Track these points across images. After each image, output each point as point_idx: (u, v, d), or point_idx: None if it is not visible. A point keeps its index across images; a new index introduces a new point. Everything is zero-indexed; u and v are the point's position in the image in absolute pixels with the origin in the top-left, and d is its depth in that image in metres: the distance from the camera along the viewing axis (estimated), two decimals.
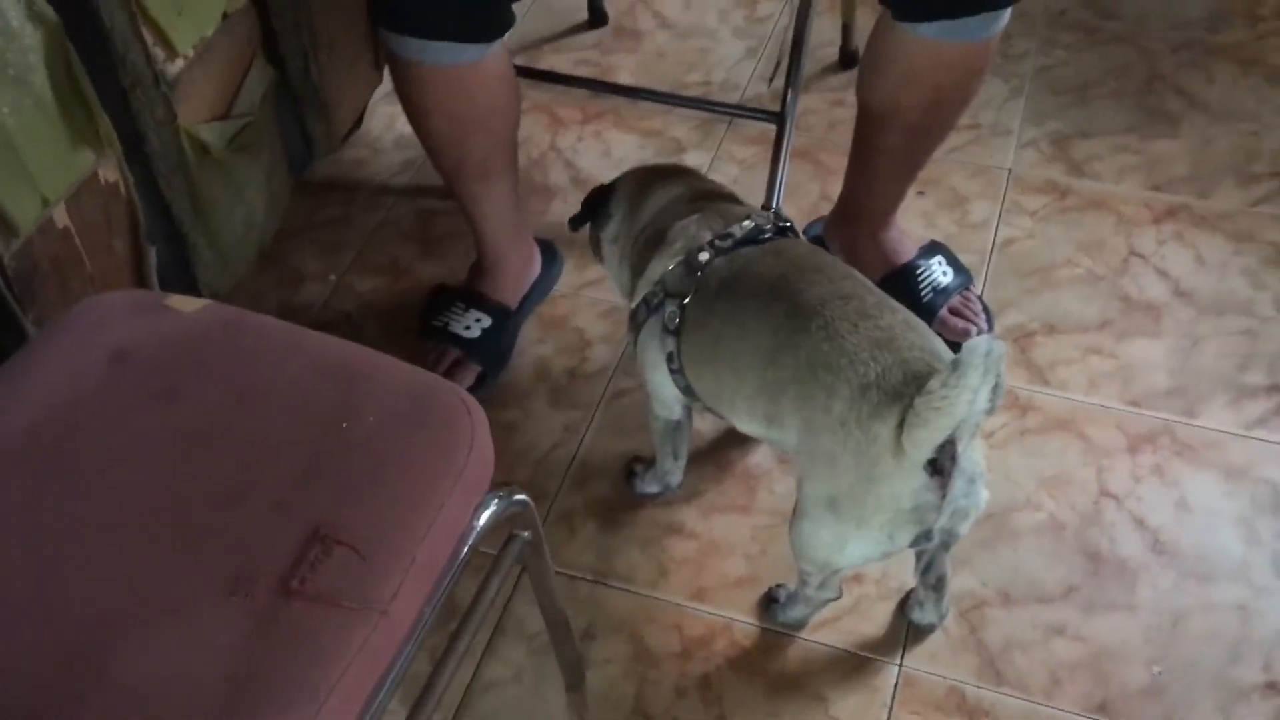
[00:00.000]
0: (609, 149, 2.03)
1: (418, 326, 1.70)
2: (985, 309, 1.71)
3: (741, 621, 1.43)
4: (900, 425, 1.06)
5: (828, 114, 2.08)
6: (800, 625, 1.41)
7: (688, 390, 1.33)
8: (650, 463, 1.53)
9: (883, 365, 1.10)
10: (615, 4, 2.29)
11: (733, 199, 1.40)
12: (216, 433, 1.00)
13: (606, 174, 1.96)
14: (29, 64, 1.10)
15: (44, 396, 1.02)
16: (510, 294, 1.71)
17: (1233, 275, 1.78)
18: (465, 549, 0.99)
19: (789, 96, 1.80)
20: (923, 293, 1.68)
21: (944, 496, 1.10)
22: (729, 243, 1.27)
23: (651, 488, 1.53)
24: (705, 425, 1.60)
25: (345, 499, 0.95)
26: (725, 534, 1.51)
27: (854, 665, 1.38)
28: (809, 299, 1.18)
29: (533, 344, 1.74)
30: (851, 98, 2.09)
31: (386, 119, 2.09)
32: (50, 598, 0.90)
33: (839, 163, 1.96)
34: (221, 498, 0.95)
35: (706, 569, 1.48)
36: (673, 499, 1.55)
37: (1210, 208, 1.88)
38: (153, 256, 1.33)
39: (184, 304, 1.09)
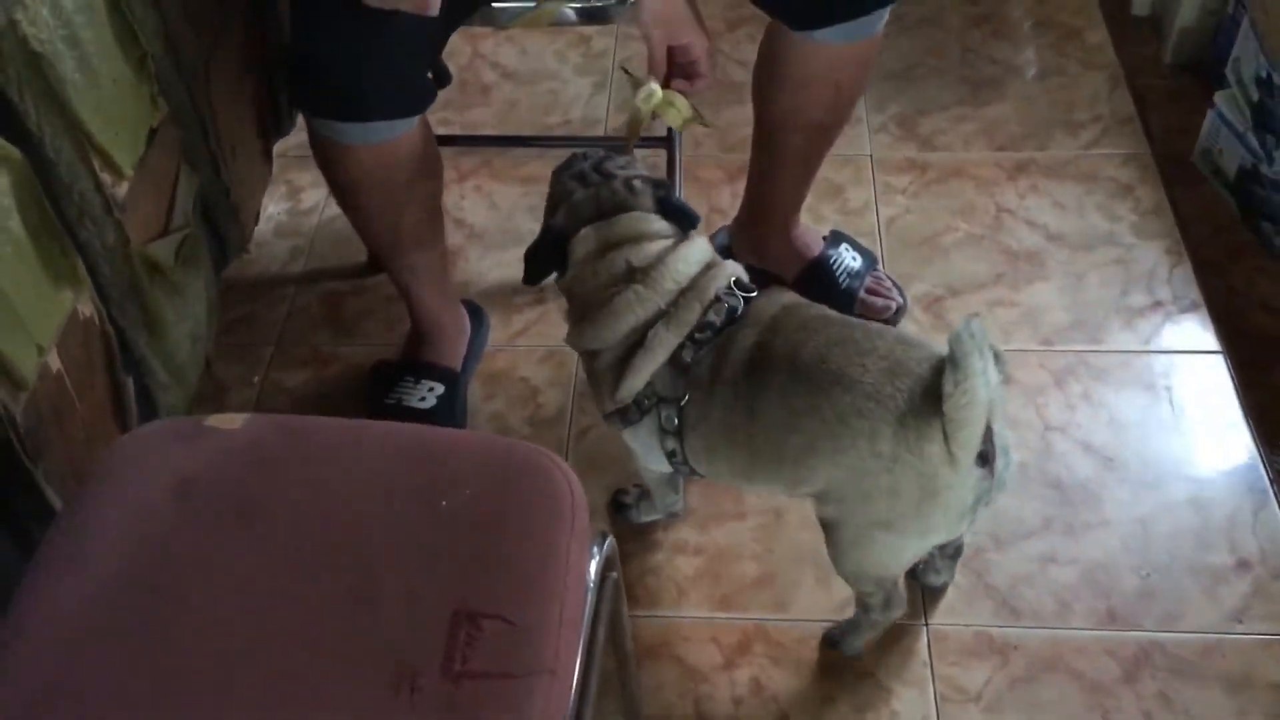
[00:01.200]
0: (493, 201, 2.05)
1: (369, 409, 1.68)
2: (895, 284, 1.83)
3: (772, 620, 1.48)
4: (945, 436, 1.11)
5: (689, 133, 2.16)
6: (860, 653, 1.43)
7: (685, 473, 1.35)
8: (638, 489, 1.56)
9: (907, 391, 1.13)
10: (454, 61, 2.31)
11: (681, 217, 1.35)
12: (314, 540, 0.98)
13: (497, 224, 2.01)
14: (3, 208, 1.05)
15: (119, 543, 0.97)
16: (454, 357, 1.71)
17: (1090, 213, 1.97)
18: (591, 595, 1.00)
19: None
20: (840, 279, 1.78)
21: (994, 478, 1.17)
22: (709, 334, 1.26)
23: (651, 516, 1.56)
24: None
25: (475, 573, 0.95)
26: (728, 542, 1.56)
27: (885, 635, 1.46)
28: (806, 358, 1.19)
29: (484, 402, 1.74)
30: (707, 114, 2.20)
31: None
32: None
33: (717, 175, 2.06)
34: (348, 603, 0.94)
35: (722, 578, 1.53)
36: (667, 523, 1.58)
37: (1052, 157, 2.07)
38: (130, 387, 1.27)
39: (226, 422, 1.06)
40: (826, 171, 2.06)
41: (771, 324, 1.25)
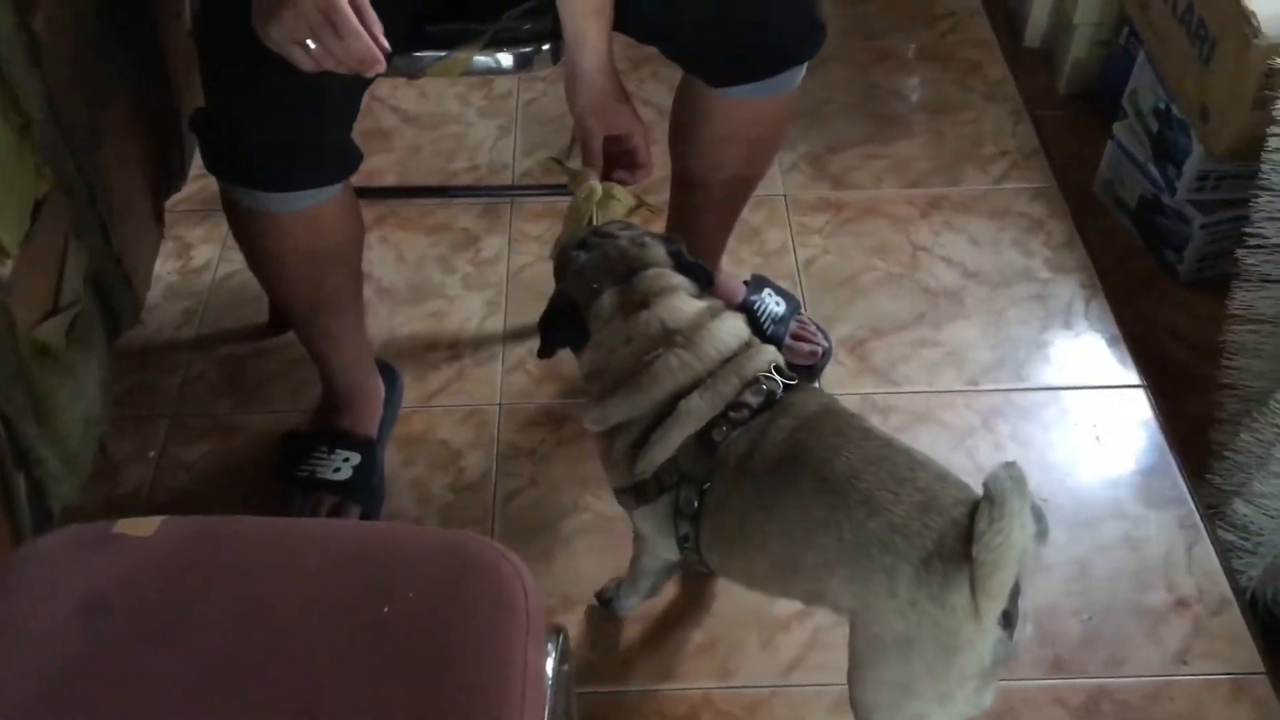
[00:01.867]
0: (401, 253, 1.97)
1: (280, 482, 1.58)
2: (819, 328, 1.80)
3: (718, 688, 1.43)
4: (972, 586, 1.01)
5: None
6: None
7: (701, 561, 1.25)
8: (616, 581, 1.47)
9: (937, 531, 1.03)
10: None
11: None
12: (246, 659, 0.89)
13: (406, 278, 1.93)
14: None
15: (21, 671, 0.87)
16: (369, 424, 1.62)
17: (1005, 248, 1.97)
18: (549, 698, 0.94)
19: None
20: (765, 326, 1.74)
21: (1012, 642, 1.08)
22: (744, 413, 1.15)
23: (635, 601, 1.47)
24: (607, 507, 1.59)
25: (427, 686, 0.88)
26: (666, 608, 1.50)
27: (838, 698, 1.41)
28: (838, 470, 1.09)
29: (401, 469, 1.65)
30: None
31: None
32: None
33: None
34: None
35: (663, 647, 1.47)
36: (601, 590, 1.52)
37: (963, 193, 2.07)
38: (21, 485, 1.16)
39: (137, 528, 0.97)
40: (742, 213, 2.03)
41: (811, 421, 1.15)
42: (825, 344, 1.78)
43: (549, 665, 0.95)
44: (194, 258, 1.96)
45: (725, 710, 1.41)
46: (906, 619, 1.05)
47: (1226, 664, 1.44)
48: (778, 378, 1.19)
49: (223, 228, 1.99)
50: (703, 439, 1.16)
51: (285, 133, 1.26)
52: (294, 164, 1.29)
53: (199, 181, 2.07)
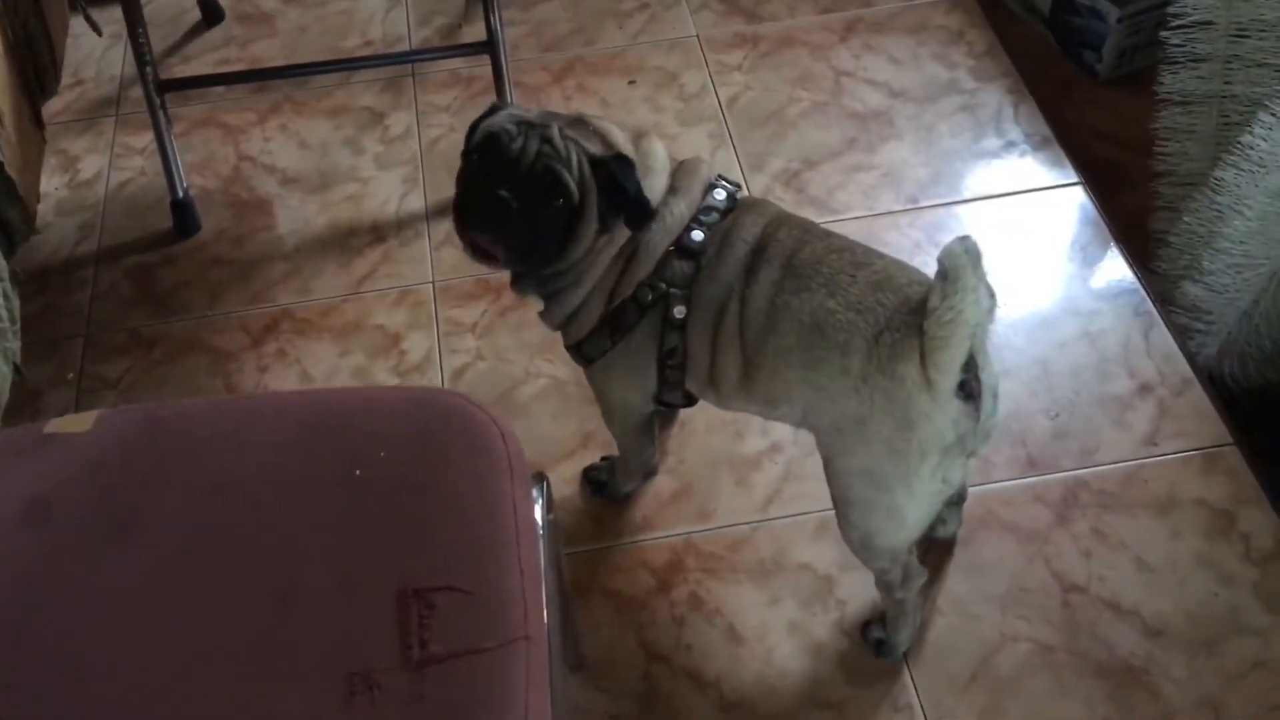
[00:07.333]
0: (303, 139, 1.86)
1: None
2: None
3: (699, 531, 1.40)
4: (922, 357, 1.02)
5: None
6: (901, 653, 1.29)
7: (674, 384, 1.21)
8: (608, 460, 1.42)
9: (889, 307, 1.04)
10: None
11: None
12: (214, 544, 0.83)
13: (313, 165, 1.82)
14: None
15: None
16: None
17: (927, 64, 1.92)
18: (543, 544, 0.89)
19: (494, 23, 1.71)
20: None
21: (979, 418, 1.07)
22: (714, 216, 1.15)
23: (632, 483, 1.42)
24: (560, 370, 1.53)
25: (412, 544, 0.82)
26: None
27: (818, 524, 1.40)
28: (805, 256, 1.11)
29: (341, 359, 1.56)
30: (514, 14, 2.04)
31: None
32: None
33: (542, 78, 1.94)
34: (270, 609, 0.80)
35: (637, 500, 1.43)
36: (571, 449, 1.47)
37: (878, 13, 2.01)
38: None
39: (71, 425, 0.89)
40: (656, 59, 1.96)
41: (777, 219, 1.16)
42: None
43: (538, 513, 0.91)
44: (81, 170, 1.83)
45: (709, 552, 1.38)
46: (859, 395, 1.05)
47: (1195, 440, 1.45)
48: (725, 184, 1.19)
49: (108, 135, 1.87)
50: (681, 246, 1.14)
51: None
52: None
53: (75, 89, 1.93)
